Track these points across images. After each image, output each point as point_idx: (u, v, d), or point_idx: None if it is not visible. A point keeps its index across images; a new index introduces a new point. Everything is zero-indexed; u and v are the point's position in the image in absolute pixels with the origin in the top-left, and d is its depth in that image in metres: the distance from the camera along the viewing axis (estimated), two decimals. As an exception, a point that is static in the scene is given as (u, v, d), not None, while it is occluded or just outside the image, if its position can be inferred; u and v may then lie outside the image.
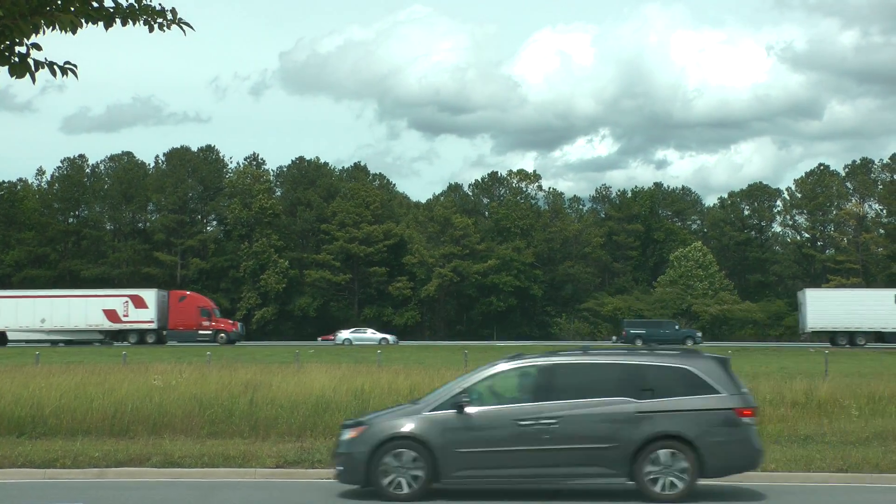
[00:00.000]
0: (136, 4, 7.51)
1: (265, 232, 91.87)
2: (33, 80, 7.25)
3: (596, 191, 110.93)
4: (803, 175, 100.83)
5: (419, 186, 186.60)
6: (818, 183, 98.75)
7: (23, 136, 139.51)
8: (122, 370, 26.28)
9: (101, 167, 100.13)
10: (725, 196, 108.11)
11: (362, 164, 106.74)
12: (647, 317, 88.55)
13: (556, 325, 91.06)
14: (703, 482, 12.74)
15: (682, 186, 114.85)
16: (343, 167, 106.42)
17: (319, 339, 72.49)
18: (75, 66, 7.30)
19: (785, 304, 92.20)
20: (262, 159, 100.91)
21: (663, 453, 12.26)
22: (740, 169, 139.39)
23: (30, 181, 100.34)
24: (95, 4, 7.35)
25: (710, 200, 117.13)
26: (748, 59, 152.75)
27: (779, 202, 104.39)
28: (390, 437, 12.50)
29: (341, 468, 12.79)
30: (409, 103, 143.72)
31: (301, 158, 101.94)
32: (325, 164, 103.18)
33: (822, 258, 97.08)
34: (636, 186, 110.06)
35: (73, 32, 7.15)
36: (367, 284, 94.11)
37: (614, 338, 71.15)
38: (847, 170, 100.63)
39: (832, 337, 63.60)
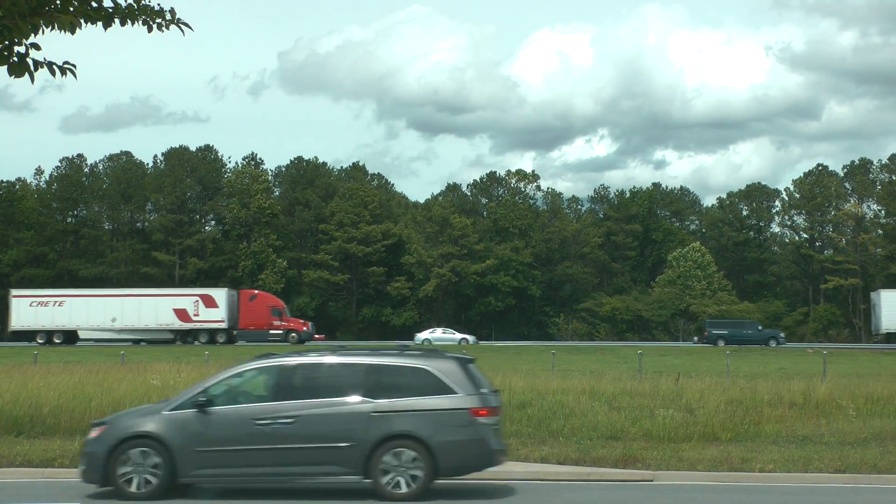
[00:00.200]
0: (134, 4, 7.53)
1: (263, 232, 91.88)
2: (32, 79, 7.27)
3: (594, 191, 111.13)
4: (802, 175, 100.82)
5: (418, 186, 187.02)
6: (817, 183, 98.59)
7: (21, 136, 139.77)
8: (120, 370, 26.32)
9: (100, 167, 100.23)
10: (724, 196, 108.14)
11: (361, 163, 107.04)
12: (646, 317, 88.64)
13: (555, 326, 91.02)
14: (443, 482, 12.83)
15: (681, 187, 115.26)
16: (341, 167, 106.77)
17: (314, 338, 72.31)
18: (74, 65, 7.31)
19: (783, 305, 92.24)
20: (260, 159, 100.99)
21: (397, 453, 12.37)
22: (739, 169, 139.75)
23: (28, 181, 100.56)
24: (94, 4, 7.36)
25: (709, 201, 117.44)
26: (747, 59, 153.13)
27: (777, 203, 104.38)
28: (129, 437, 12.55)
29: (83, 467, 12.78)
30: (408, 103, 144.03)
31: (299, 158, 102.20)
32: (324, 163, 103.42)
33: (821, 259, 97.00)
34: (635, 187, 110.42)
35: (72, 32, 7.16)
36: (366, 284, 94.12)
37: (696, 338, 70.01)
38: (846, 170, 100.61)
39: None
